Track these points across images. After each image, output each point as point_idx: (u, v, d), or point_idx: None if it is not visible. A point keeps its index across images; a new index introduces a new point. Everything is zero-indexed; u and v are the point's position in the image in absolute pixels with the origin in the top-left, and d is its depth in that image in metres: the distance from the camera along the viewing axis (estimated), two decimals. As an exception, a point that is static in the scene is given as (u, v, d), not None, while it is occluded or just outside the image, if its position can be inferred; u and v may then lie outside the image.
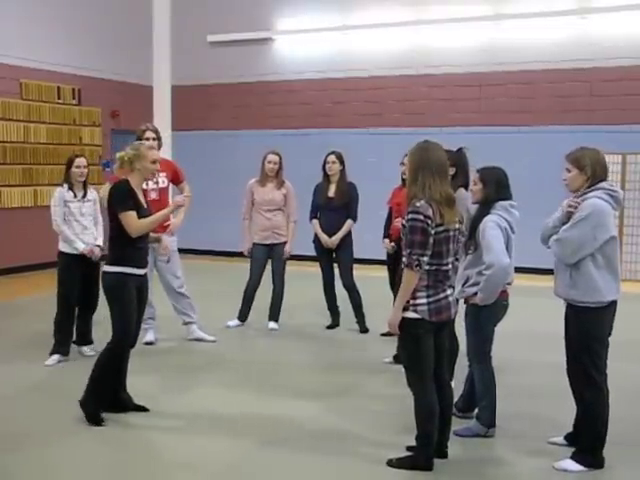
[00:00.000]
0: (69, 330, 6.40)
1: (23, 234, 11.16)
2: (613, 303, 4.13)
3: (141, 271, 4.92)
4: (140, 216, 4.83)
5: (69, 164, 6.40)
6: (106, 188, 6.81)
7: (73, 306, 6.36)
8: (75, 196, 6.35)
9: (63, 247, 6.34)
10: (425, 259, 3.92)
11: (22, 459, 4.30)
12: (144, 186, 6.70)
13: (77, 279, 6.31)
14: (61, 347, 6.34)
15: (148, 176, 5.04)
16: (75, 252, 6.27)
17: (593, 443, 4.17)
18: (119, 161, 4.98)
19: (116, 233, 4.82)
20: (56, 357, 6.28)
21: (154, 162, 4.99)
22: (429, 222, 3.91)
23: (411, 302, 3.99)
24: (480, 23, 11.94)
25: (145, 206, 4.96)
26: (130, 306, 4.84)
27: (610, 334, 4.18)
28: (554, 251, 4.15)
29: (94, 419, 4.78)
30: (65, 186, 6.37)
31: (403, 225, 4.03)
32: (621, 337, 4.59)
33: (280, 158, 7.52)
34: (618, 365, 5.19)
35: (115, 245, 4.85)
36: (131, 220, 4.77)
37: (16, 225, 11.23)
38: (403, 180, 6.64)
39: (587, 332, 4.11)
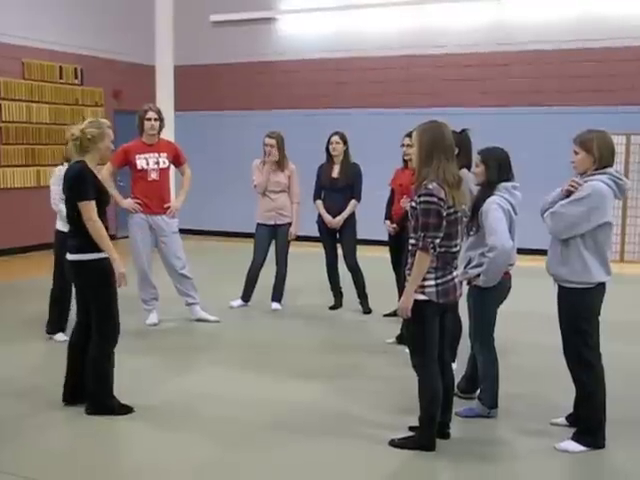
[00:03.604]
0: (68, 308, 6.42)
1: (26, 214, 11.16)
2: (601, 285, 4.14)
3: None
4: (103, 201, 4.58)
5: (68, 143, 6.34)
6: (107, 168, 6.82)
7: (70, 286, 6.35)
8: None
9: (60, 226, 6.33)
10: (438, 241, 3.91)
11: (17, 445, 4.33)
12: (144, 166, 6.76)
13: None
14: (63, 324, 6.38)
15: (106, 157, 4.67)
16: None
17: (593, 423, 4.19)
18: (78, 140, 4.53)
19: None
20: (61, 335, 6.31)
21: (112, 141, 4.70)
22: (442, 204, 3.89)
23: (419, 284, 3.97)
24: (485, 3, 11.83)
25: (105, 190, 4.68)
26: (116, 291, 4.65)
27: (599, 314, 4.19)
28: (547, 224, 4.17)
29: (121, 410, 4.67)
30: (65, 164, 6.34)
31: (413, 207, 4.01)
32: (621, 317, 4.59)
33: (278, 141, 7.41)
34: (619, 345, 5.22)
35: (86, 230, 4.50)
36: (92, 213, 4.44)
37: (18, 205, 11.23)
38: (404, 161, 6.61)
39: (577, 313, 4.14)
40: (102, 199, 4.61)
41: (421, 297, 3.98)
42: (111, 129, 4.73)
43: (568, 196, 4.14)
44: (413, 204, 4.01)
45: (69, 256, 4.63)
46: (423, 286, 3.97)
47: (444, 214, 3.91)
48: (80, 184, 4.50)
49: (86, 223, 4.48)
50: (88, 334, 4.67)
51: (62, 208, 6.20)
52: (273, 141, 7.42)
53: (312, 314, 7.56)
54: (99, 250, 4.54)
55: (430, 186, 3.91)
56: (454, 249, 4.05)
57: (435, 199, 3.89)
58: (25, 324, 6.88)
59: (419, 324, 4.04)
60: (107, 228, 4.64)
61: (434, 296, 3.98)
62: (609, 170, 4.12)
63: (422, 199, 3.92)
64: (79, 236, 4.56)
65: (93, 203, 4.49)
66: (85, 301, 4.67)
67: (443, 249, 3.97)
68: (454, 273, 4.10)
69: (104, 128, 4.62)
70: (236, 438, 4.37)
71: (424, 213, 3.90)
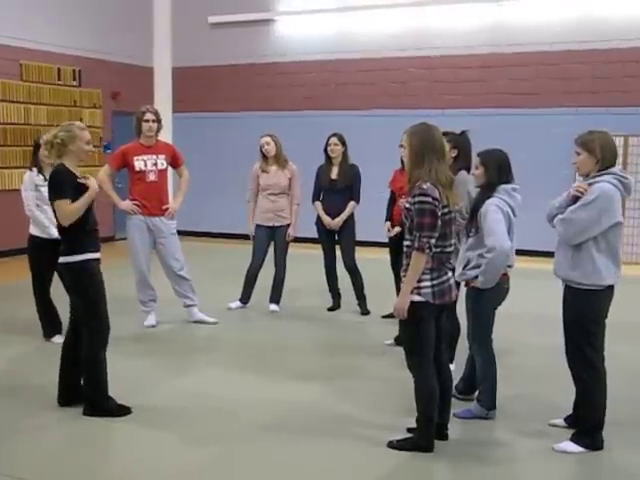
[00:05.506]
0: (55, 311, 6.41)
1: (24, 216, 11.10)
2: (611, 287, 4.13)
3: (99, 254, 4.70)
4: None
5: (36, 147, 6.31)
6: (105, 170, 6.82)
7: (48, 290, 6.34)
8: (45, 179, 6.02)
9: (34, 231, 6.31)
10: (433, 241, 3.91)
11: (14, 446, 4.32)
12: (142, 167, 6.75)
13: (51, 263, 5.98)
14: (57, 327, 6.36)
15: (83, 158, 4.70)
16: (48, 237, 6.19)
17: (592, 424, 4.18)
18: (48, 145, 4.64)
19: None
20: (58, 337, 6.29)
21: (88, 143, 4.70)
22: (437, 204, 3.90)
23: (415, 285, 3.97)
24: (482, 4, 11.85)
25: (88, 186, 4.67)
26: (104, 292, 4.68)
27: (606, 316, 4.18)
28: (558, 230, 4.15)
29: (119, 411, 4.68)
30: (34, 170, 6.32)
31: (407, 208, 4.01)
32: (622, 319, 4.59)
33: (273, 138, 7.45)
34: (619, 347, 5.21)
35: (71, 233, 4.59)
36: (61, 209, 4.51)
37: (16, 207, 11.15)
38: (403, 162, 6.60)
39: (584, 314, 4.12)
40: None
41: (417, 298, 3.98)
42: (86, 130, 4.73)
43: (575, 201, 4.12)
44: (407, 205, 4.01)
45: (59, 259, 4.68)
46: (419, 287, 3.97)
47: (439, 214, 3.91)
48: (56, 183, 4.56)
49: (62, 222, 4.55)
50: (80, 335, 4.70)
51: (38, 214, 6.21)
52: (269, 138, 7.45)
53: (310, 315, 7.55)
54: (83, 252, 4.58)
55: (424, 186, 3.91)
56: (449, 249, 4.05)
57: (429, 199, 3.89)
58: (24, 325, 6.86)
59: (415, 325, 4.03)
60: (97, 228, 4.70)
61: (430, 297, 3.98)
62: (613, 170, 4.10)
63: (416, 199, 3.92)
64: (66, 239, 4.63)
65: (68, 202, 4.50)
66: (74, 302, 4.72)
67: (438, 249, 3.97)
68: (449, 274, 4.10)
69: (74, 131, 4.63)
70: (235, 439, 4.36)
71: (419, 213, 3.90)
